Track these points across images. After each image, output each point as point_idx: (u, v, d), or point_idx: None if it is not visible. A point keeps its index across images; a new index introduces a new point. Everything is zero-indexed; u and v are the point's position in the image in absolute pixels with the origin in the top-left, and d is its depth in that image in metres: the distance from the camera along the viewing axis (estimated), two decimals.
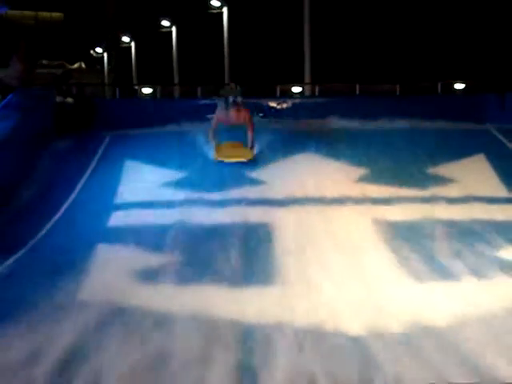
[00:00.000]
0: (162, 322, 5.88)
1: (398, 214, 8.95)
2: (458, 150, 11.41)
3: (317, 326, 5.77)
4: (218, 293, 6.53)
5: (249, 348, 5.37)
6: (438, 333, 5.64)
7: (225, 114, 11.89)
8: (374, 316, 5.96)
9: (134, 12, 41.24)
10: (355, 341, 5.47)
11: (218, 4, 31.52)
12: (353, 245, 7.84)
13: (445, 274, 7.04)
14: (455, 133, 12.37)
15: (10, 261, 7.54)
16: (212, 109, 12.66)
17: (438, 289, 6.68)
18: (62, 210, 9.38)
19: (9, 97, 12.04)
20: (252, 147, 11.51)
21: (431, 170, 10.79)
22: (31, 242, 8.11)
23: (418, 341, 5.49)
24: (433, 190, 9.95)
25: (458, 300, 6.35)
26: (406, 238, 8.05)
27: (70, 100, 14.20)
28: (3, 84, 12.85)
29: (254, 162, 11.12)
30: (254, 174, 10.73)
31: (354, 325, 5.75)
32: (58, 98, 13.59)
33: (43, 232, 8.56)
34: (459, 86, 17.85)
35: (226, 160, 11.17)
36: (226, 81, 28.61)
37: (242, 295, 6.48)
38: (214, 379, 4.90)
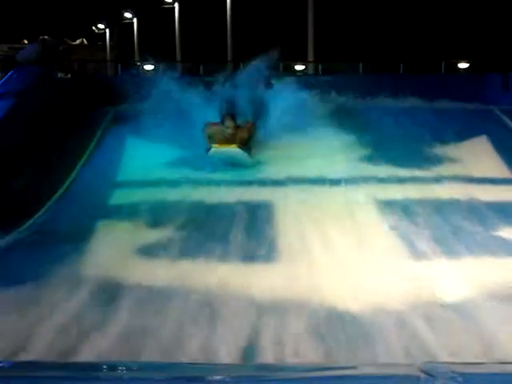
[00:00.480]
0: (157, 296, 5.89)
1: (400, 193, 8.95)
2: (461, 130, 11.38)
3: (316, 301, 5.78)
4: (218, 271, 6.53)
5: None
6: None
7: (220, 130, 10.30)
8: (374, 293, 5.99)
9: None
10: (355, 316, 5.49)
11: None
12: (354, 225, 7.85)
13: (444, 252, 7.05)
14: (458, 113, 12.33)
15: (13, 235, 7.59)
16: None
17: (437, 266, 6.71)
18: (64, 186, 9.40)
19: (9, 73, 12.01)
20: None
21: (433, 150, 10.77)
22: (30, 221, 8.12)
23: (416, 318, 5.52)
24: (434, 170, 9.95)
25: (457, 277, 6.39)
26: (408, 217, 8.06)
27: (69, 76, 14.15)
28: (11, 61, 12.81)
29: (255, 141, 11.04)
30: (256, 153, 10.69)
31: (353, 302, 5.77)
32: (60, 75, 13.55)
33: (45, 208, 8.59)
34: (463, 65, 17.78)
35: (217, 146, 10.13)
36: (229, 58, 28.46)
37: (245, 272, 6.49)
38: None
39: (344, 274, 6.39)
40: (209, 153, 10.04)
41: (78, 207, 8.56)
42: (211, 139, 10.27)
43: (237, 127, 10.27)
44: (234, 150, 9.99)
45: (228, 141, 10.14)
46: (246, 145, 10.31)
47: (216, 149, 10.04)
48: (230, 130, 10.13)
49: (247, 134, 10.38)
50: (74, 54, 17.40)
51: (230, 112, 10.51)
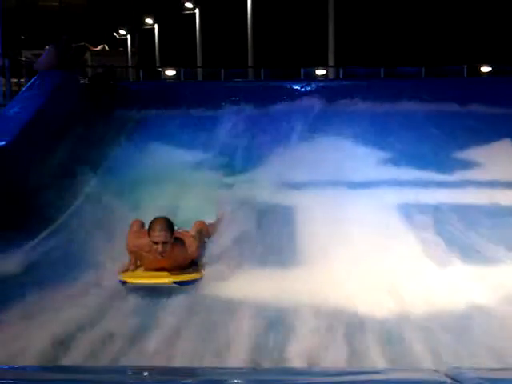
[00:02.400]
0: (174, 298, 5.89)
1: (423, 198, 8.88)
2: (484, 134, 11.27)
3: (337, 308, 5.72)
4: (237, 275, 6.50)
5: None
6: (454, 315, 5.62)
7: (148, 245, 6.08)
8: (395, 298, 5.93)
9: None
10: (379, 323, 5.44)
11: None
12: (377, 229, 7.78)
13: (469, 258, 6.98)
14: (481, 117, 12.21)
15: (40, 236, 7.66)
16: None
17: (462, 272, 6.63)
18: (85, 191, 9.45)
19: (33, 79, 12.11)
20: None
21: (456, 154, 10.68)
22: (60, 219, 8.21)
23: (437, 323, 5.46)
24: (457, 175, 9.86)
25: (482, 283, 6.31)
26: (431, 221, 7.98)
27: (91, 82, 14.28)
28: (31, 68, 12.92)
29: (275, 143, 10.95)
30: (275, 155, 10.64)
31: (375, 307, 5.70)
32: (83, 80, 13.65)
33: (68, 212, 8.63)
34: (486, 69, 17.67)
35: (140, 281, 6.14)
36: (250, 63, 28.50)
37: (265, 276, 6.46)
38: None
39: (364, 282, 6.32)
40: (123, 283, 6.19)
41: (99, 209, 8.57)
42: (134, 255, 6.37)
43: (175, 239, 6.09)
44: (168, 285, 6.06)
45: (160, 263, 6.12)
46: (192, 264, 6.37)
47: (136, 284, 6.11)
48: (160, 248, 5.96)
49: (194, 246, 6.29)
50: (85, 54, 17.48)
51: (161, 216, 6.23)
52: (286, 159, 10.07)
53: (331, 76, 19.58)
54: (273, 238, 7.42)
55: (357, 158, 10.19)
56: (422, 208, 8.47)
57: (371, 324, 5.38)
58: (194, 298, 5.94)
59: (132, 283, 6.07)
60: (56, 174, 9.74)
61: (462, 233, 7.70)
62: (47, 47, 12.96)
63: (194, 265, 6.36)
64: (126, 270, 6.25)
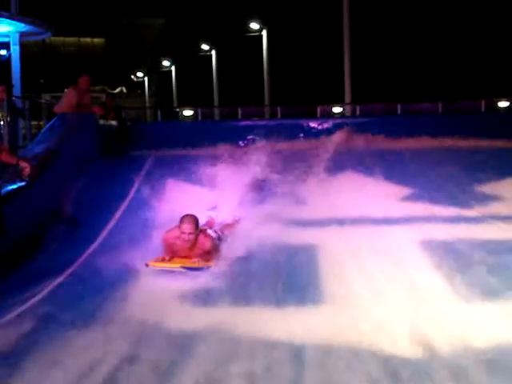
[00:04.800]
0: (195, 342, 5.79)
1: (443, 233, 8.79)
2: (503, 168, 11.23)
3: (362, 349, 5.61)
4: (261, 314, 6.42)
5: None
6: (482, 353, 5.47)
7: (176, 237, 7.45)
8: (423, 336, 5.81)
9: (174, 36, 41.84)
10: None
11: (257, 27, 31.80)
12: (399, 265, 7.70)
13: (492, 294, 6.85)
14: (499, 151, 12.20)
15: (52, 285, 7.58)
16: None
17: (485, 310, 6.50)
18: (106, 231, 9.45)
19: (52, 121, 12.26)
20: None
21: (475, 189, 10.64)
22: (72, 267, 8.13)
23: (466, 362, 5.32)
24: (477, 209, 9.79)
25: (504, 321, 6.17)
26: (453, 258, 7.87)
27: (114, 123, 14.42)
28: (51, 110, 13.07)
29: (294, 179, 11.00)
30: (294, 192, 10.64)
31: (403, 345, 5.58)
32: (102, 121, 13.80)
33: (84, 257, 8.58)
34: (503, 104, 17.68)
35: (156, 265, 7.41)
36: (266, 102, 28.69)
37: (288, 315, 6.37)
38: None
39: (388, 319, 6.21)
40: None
41: (118, 250, 8.55)
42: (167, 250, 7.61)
43: (200, 231, 7.46)
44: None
45: (185, 252, 7.46)
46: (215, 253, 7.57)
47: (155, 266, 7.37)
48: (186, 237, 7.24)
49: (209, 243, 7.53)
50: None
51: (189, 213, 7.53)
52: None
53: (348, 113, 19.63)
54: None
55: None
56: None
57: None
58: None
59: (152, 266, 7.32)
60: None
61: None
62: (66, 90, 13.11)
63: (208, 255, 7.48)
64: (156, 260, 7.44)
